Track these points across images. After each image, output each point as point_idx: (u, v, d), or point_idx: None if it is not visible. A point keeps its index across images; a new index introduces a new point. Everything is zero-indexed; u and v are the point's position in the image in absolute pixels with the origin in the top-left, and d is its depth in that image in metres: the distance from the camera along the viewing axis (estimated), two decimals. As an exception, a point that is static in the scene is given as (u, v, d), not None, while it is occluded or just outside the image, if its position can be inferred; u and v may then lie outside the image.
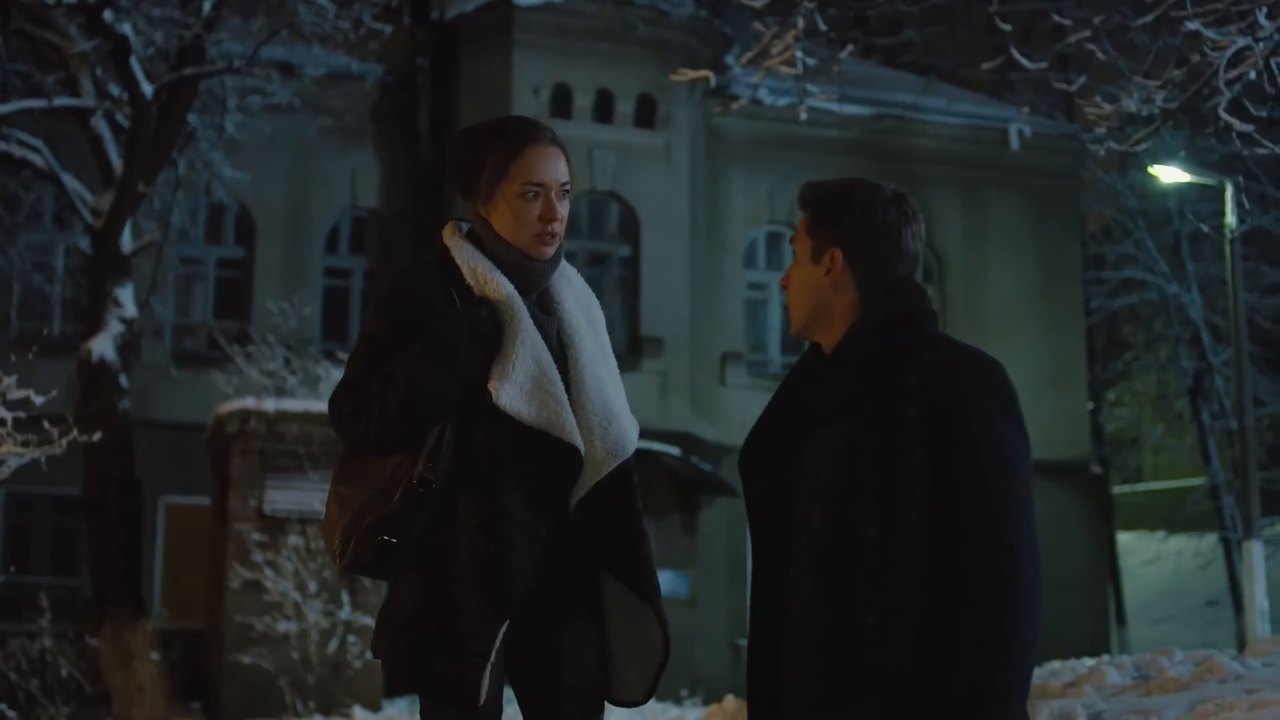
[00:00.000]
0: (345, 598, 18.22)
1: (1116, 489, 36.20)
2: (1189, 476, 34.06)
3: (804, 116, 12.58)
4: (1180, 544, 32.41)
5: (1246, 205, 21.22)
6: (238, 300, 24.50)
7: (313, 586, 18.06)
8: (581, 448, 3.58)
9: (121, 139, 18.94)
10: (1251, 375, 28.43)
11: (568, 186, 3.68)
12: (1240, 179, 20.63)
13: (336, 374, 19.95)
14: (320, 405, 19.00)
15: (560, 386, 3.60)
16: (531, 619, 3.63)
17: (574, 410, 3.61)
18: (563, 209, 3.66)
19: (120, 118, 19.20)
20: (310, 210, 24.96)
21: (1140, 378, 34.17)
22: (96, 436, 12.69)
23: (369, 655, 18.18)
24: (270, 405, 18.65)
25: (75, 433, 10.74)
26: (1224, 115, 8.78)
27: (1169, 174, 21.56)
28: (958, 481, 3.12)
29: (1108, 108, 10.10)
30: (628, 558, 3.69)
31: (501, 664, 3.60)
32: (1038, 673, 9.00)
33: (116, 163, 18.82)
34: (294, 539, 18.14)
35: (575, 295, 3.80)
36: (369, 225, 25.49)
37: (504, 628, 3.50)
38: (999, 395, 3.21)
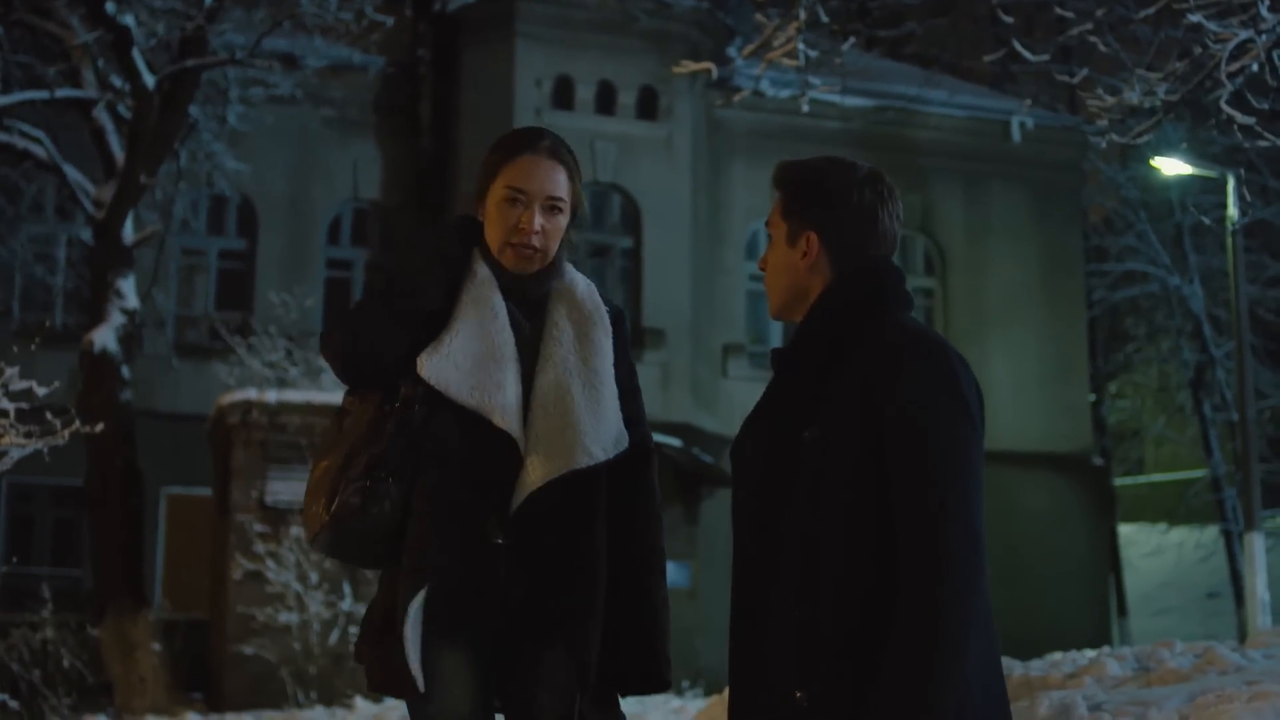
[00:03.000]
0: (347, 589, 18.28)
1: (1118, 481, 36.19)
2: (1190, 469, 34.26)
3: (806, 108, 12.58)
4: (1181, 536, 32.45)
5: (1248, 198, 21.21)
6: (239, 291, 24.55)
7: (314, 578, 18.12)
8: (518, 437, 3.46)
9: (123, 130, 18.98)
10: (1253, 368, 28.52)
11: (559, 201, 3.56)
12: (1242, 171, 20.62)
13: (339, 366, 20.05)
14: (323, 397, 19.05)
15: (507, 372, 3.49)
16: (506, 638, 3.53)
17: (527, 410, 3.49)
18: (548, 222, 3.55)
19: (122, 109, 19.22)
20: (312, 201, 24.99)
21: (1142, 370, 34.20)
22: (99, 428, 12.71)
23: (367, 650, 18.44)
24: (272, 396, 18.71)
25: (77, 424, 10.75)
26: (1225, 108, 8.78)
27: (1171, 166, 21.59)
28: (896, 470, 2.99)
29: (1109, 100, 10.11)
30: (577, 578, 3.53)
31: (478, 680, 3.52)
32: (1038, 664, 9.01)
33: (118, 154, 18.87)
34: (296, 530, 18.18)
35: (576, 312, 3.66)
36: (371, 216, 25.52)
37: (417, 599, 3.42)
38: (941, 379, 3.04)
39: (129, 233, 18.88)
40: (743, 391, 24.98)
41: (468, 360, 3.46)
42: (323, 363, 20.13)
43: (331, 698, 17.53)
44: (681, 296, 24.66)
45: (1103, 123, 9.54)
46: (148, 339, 22.92)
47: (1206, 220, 20.20)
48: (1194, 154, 22.59)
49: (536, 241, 3.53)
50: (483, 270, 3.56)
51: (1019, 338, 27.41)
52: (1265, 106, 9.60)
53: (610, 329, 3.69)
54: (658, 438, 20.03)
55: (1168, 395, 33.51)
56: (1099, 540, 28.89)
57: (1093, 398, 30.85)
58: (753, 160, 26.13)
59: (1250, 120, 8.53)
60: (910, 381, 3.02)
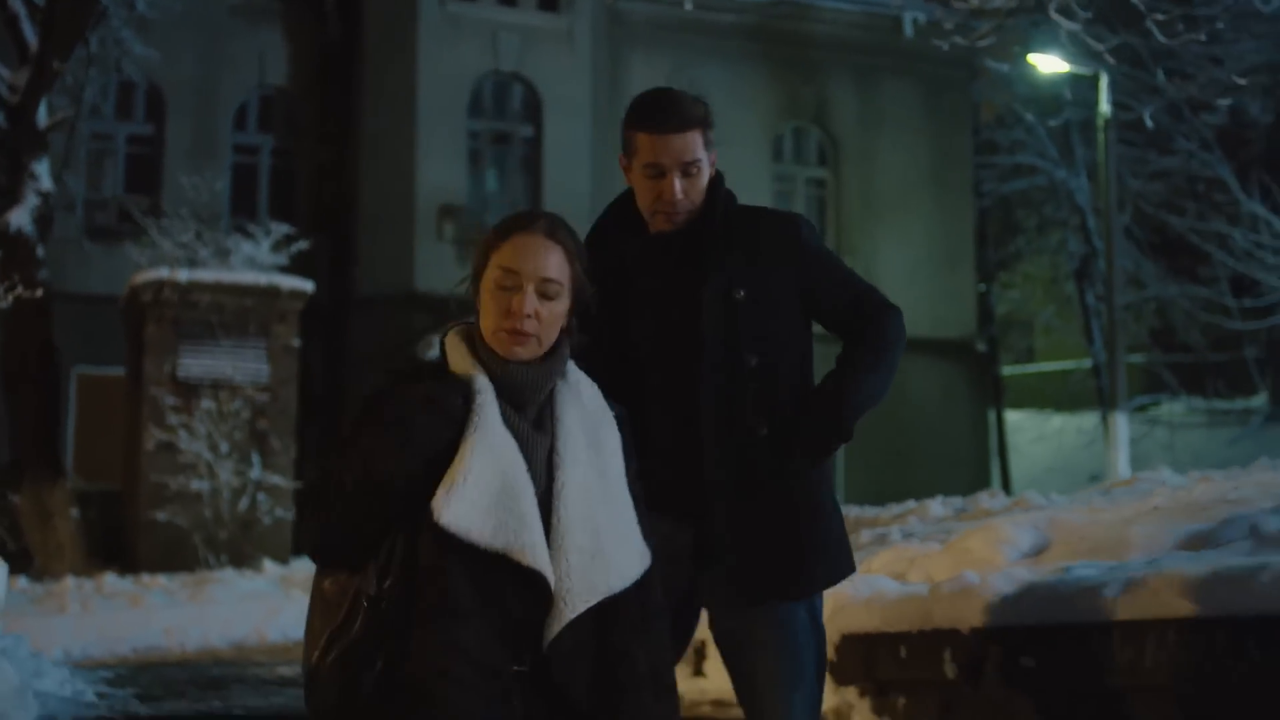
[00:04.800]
0: (256, 459, 19.03)
1: (1008, 369, 37.07)
2: (1077, 358, 34.98)
3: (690, 7, 13.15)
4: (1063, 422, 33.40)
5: (1135, 94, 21.90)
6: (148, 175, 24.81)
7: (224, 447, 18.84)
8: (550, 576, 3.20)
9: (36, 17, 19.18)
10: (1135, 259, 29.57)
11: (554, 284, 3.27)
12: (1120, 68, 21.31)
13: (247, 248, 20.59)
14: (232, 276, 19.66)
15: (528, 505, 3.20)
16: None
17: (550, 539, 3.22)
18: (543, 306, 3.26)
19: (35, -5, 19.42)
20: (219, 87, 25.19)
21: (1033, 260, 34.96)
22: (13, 300, 13.19)
23: (278, 513, 19.11)
24: (183, 276, 19.29)
25: (-3, 300, 11.17)
26: (1054, 15, 9.56)
27: (1047, 64, 22.36)
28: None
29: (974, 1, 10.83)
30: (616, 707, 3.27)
31: None
32: (872, 509, 10.07)
33: (31, 40, 19.09)
34: (206, 402, 18.88)
35: (582, 412, 3.39)
36: (277, 103, 25.78)
37: None
38: None
39: (43, 117, 19.22)
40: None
41: (484, 497, 3.17)
42: (231, 244, 20.71)
43: (241, 560, 18.31)
44: (581, 184, 25.07)
45: (948, 26, 10.30)
46: (58, 222, 23.07)
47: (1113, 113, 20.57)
48: (1081, 51, 23.26)
49: (529, 326, 3.25)
50: (480, 381, 3.27)
51: (908, 227, 28.03)
52: (1089, 15, 10.36)
53: (619, 432, 3.44)
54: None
55: (1056, 286, 34.40)
56: (981, 424, 29.77)
57: (983, 287, 31.64)
58: (651, 51, 26.61)
59: (1075, 26, 9.32)
60: None
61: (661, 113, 3.85)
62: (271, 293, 20.09)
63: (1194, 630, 4.00)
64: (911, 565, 6.46)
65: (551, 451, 3.29)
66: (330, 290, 23.25)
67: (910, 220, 28.12)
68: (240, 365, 19.60)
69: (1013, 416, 35.44)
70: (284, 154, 25.63)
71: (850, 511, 9.73)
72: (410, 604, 3.15)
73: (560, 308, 3.28)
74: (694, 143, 3.84)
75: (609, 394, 3.46)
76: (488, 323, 3.29)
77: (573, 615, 3.20)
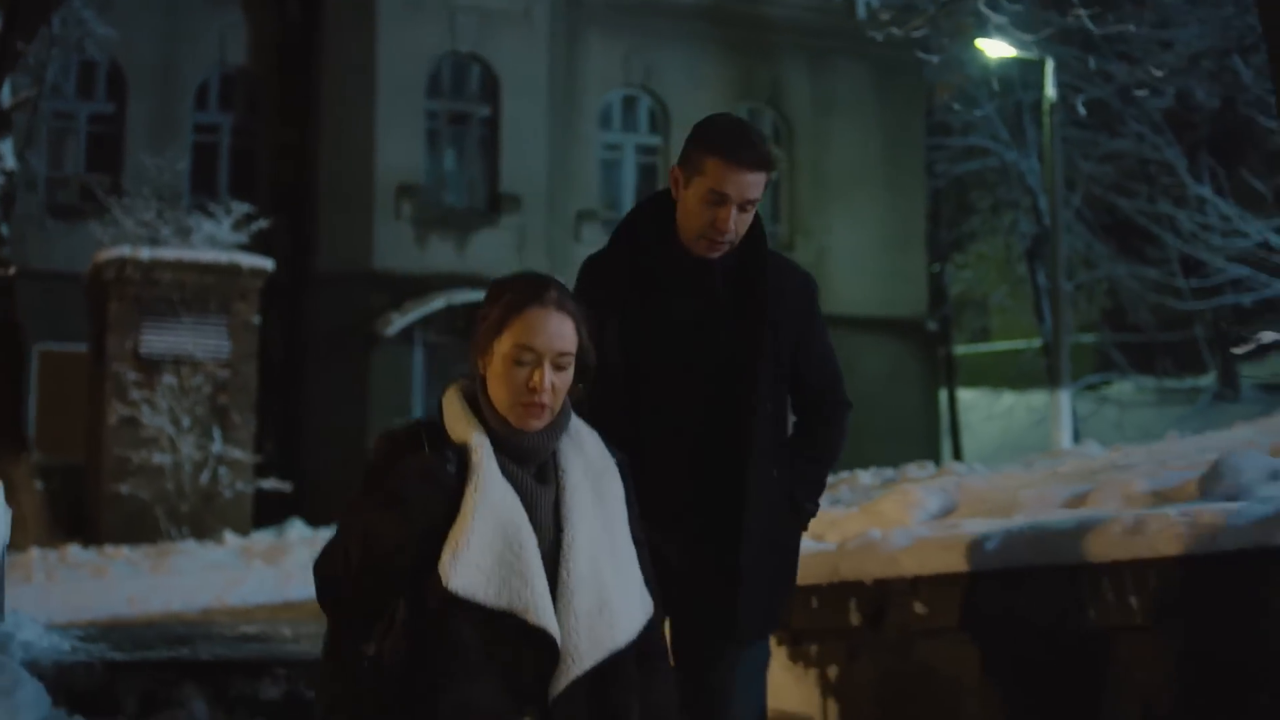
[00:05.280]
0: (217, 433, 19.40)
1: (962, 348, 37.47)
2: (1029, 337, 35.15)
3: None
4: (1014, 400, 33.61)
5: (1086, 77, 22.16)
6: (110, 154, 24.92)
7: (186, 422, 19.21)
8: (556, 633, 3.24)
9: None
10: (1087, 239, 30.04)
11: (567, 356, 3.36)
12: (1070, 51, 21.59)
13: (208, 226, 20.91)
14: (193, 254, 19.99)
15: (532, 562, 3.25)
16: None
17: (557, 594, 3.28)
18: (558, 378, 3.34)
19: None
20: (180, 67, 25.29)
21: (987, 241, 35.39)
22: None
23: (239, 486, 19.48)
24: (145, 253, 19.60)
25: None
26: (984, 9, 9.99)
27: (994, 48, 22.71)
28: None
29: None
30: None
31: None
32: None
33: (-6, 21, 19.26)
34: (168, 378, 19.24)
35: (586, 464, 3.46)
36: (237, 82, 25.91)
37: None
38: None
39: (5, 97, 19.45)
40: (595, 256, 26.05)
41: (487, 557, 3.23)
42: (192, 223, 21.01)
43: (202, 532, 18.68)
44: (537, 164, 25.46)
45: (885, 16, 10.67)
46: (20, 200, 23.12)
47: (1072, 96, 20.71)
48: (1031, 34, 23.53)
49: (546, 399, 3.33)
50: (477, 439, 3.34)
51: (860, 208, 28.27)
52: (1019, 7, 10.77)
53: (621, 480, 3.52)
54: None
55: (1009, 266, 34.70)
56: (931, 402, 30.23)
57: (936, 267, 32.00)
58: (608, 32, 26.92)
59: (1003, 19, 9.74)
60: None
61: (745, 148, 3.90)
62: (232, 271, 20.43)
63: (1059, 575, 4.47)
64: (831, 527, 6.92)
65: (558, 503, 3.37)
66: (290, 268, 23.52)
67: (862, 201, 28.36)
68: (201, 342, 19.95)
69: (966, 395, 35.89)
70: (244, 133, 25.78)
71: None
72: (415, 664, 3.19)
73: (570, 375, 3.38)
74: (760, 182, 3.91)
75: (609, 421, 3.60)
76: (502, 395, 3.34)
77: (579, 672, 3.23)
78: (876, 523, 6.38)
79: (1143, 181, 28.86)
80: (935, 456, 29.25)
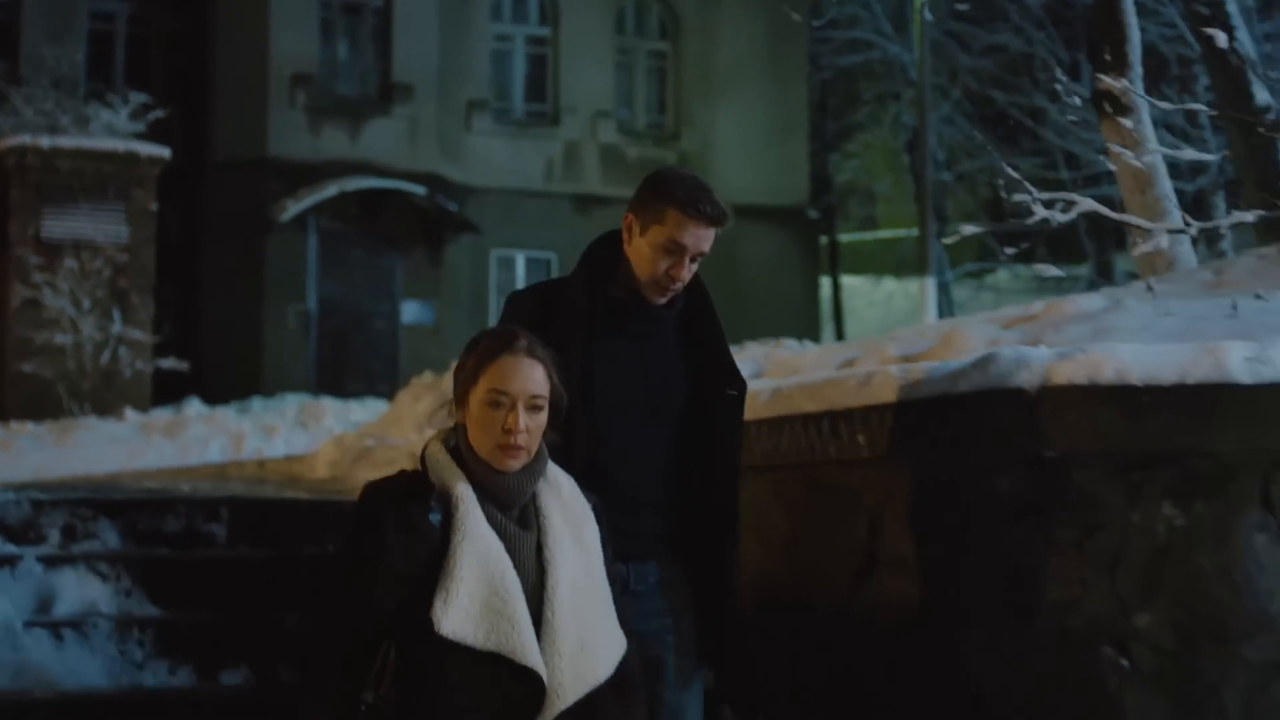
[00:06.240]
0: (116, 314, 20.11)
1: (847, 236, 38.31)
2: (912, 226, 36.28)
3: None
4: (895, 287, 34.82)
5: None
6: (7, 43, 24.76)
7: (86, 304, 19.89)
8: (542, 672, 3.47)
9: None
10: (967, 131, 30.89)
11: (540, 399, 3.58)
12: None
13: (106, 115, 21.43)
14: (92, 143, 20.56)
15: (516, 606, 3.46)
16: None
17: (542, 633, 3.49)
18: (532, 420, 3.56)
19: None
20: (75, -46, 25.31)
21: (873, 131, 36.07)
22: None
23: (138, 365, 20.18)
24: (46, 142, 20.17)
25: None
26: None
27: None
28: None
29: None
30: None
31: None
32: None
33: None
34: (69, 262, 19.92)
35: (564, 508, 3.68)
36: (131, -29, 25.98)
37: None
38: None
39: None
40: (485, 145, 26.68)
41: (475, 603, 3.43)
42: (90, 112, 21.51)
43: (104, 409, 19.35)
44: (429, 53, 25.86)
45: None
46: None
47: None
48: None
49: (522, 440, 3.54)
50: (460, 489, 3.56)
51: (745, 99, 28.74)
52: None
53: (596, 525, 3.73)
54: (404, 186, 21.96)
55: (894, 156, 35.43)
56: (812, 289, 31.01)
57: (822, 158, 32.56)
58: (499, -79, 27.24)
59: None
60: None
61: (707, 204, 4.08)
62: (130, 159, 20.94)
63: (810, 421, 5.52)
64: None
65: (540, 548, 3.58)
66: (187, 155, 23.77)
67: (747, 92, 28.74)
68: (101, 227, 20.53)
69: (850, 281, 36.73)
70: (140, 21, 25.83)
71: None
72: (406, 707, 3.40)
73: (544, 418, 3.61)
74: (712, 236, 4.11)
75: (578, 462, 3.85)
76: (481, 439, 3.56)
77: (564, 707, 3.46)
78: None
79: (1025, 75, 29.53)
80: (816, 339, 30.10)
